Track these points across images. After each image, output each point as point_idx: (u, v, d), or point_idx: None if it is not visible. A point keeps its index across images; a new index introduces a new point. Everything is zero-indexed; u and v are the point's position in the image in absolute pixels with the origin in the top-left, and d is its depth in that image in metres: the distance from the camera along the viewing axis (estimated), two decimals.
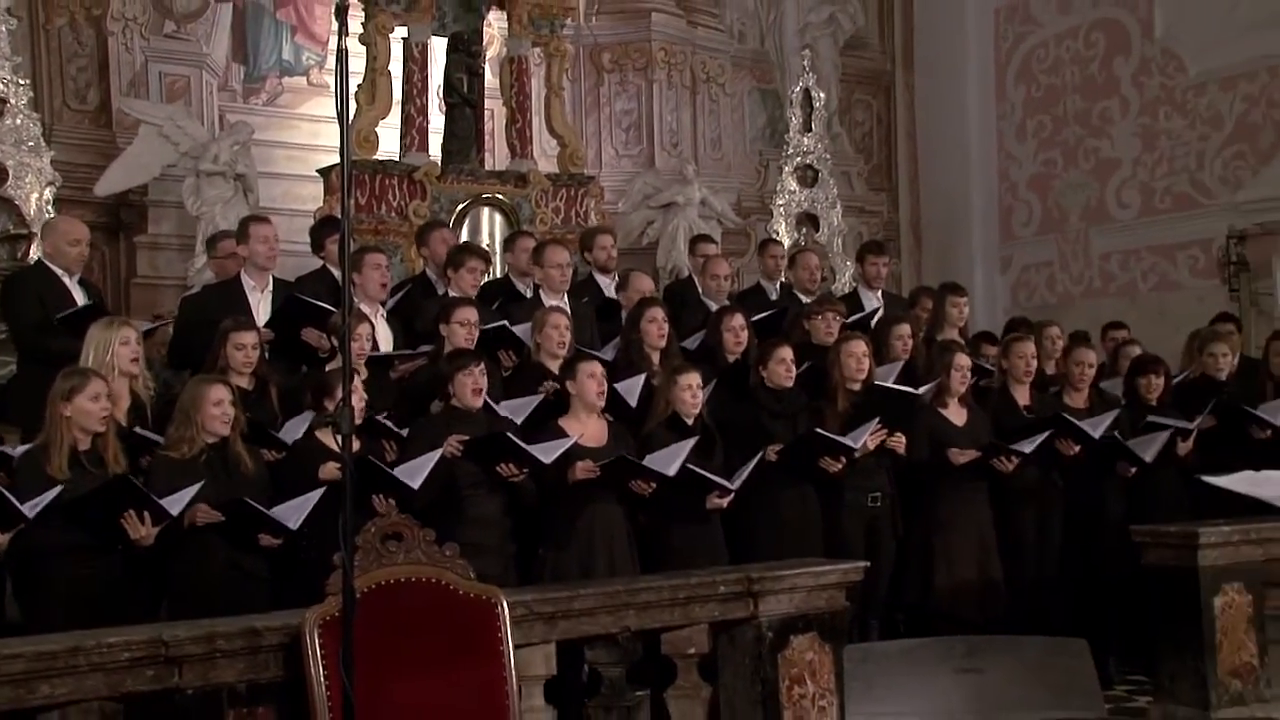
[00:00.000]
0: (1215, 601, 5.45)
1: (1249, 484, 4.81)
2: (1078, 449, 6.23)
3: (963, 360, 6.28)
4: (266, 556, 4.80)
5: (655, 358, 6.13)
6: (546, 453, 5.15)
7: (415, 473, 4.95)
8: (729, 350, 6.42)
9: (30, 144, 8.08)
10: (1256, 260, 10.19)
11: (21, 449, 4.81)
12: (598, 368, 5.47)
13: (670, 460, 5.26)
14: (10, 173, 7.84)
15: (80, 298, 5.92)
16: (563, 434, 5.29)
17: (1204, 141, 10.70)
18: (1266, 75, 10.29)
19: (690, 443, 5.34)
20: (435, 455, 5.02)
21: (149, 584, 4.66)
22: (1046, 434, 6.12)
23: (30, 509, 4.23)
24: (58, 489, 4.33)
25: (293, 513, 4.72)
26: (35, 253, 6.32)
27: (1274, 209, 10.06)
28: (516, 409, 5.62)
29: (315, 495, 4.73)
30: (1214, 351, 6.99)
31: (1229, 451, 6.26)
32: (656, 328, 6.18)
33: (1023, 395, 6.53)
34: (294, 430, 5.32)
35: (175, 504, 4.48)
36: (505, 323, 6.24)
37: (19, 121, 8.03)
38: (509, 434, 5.20)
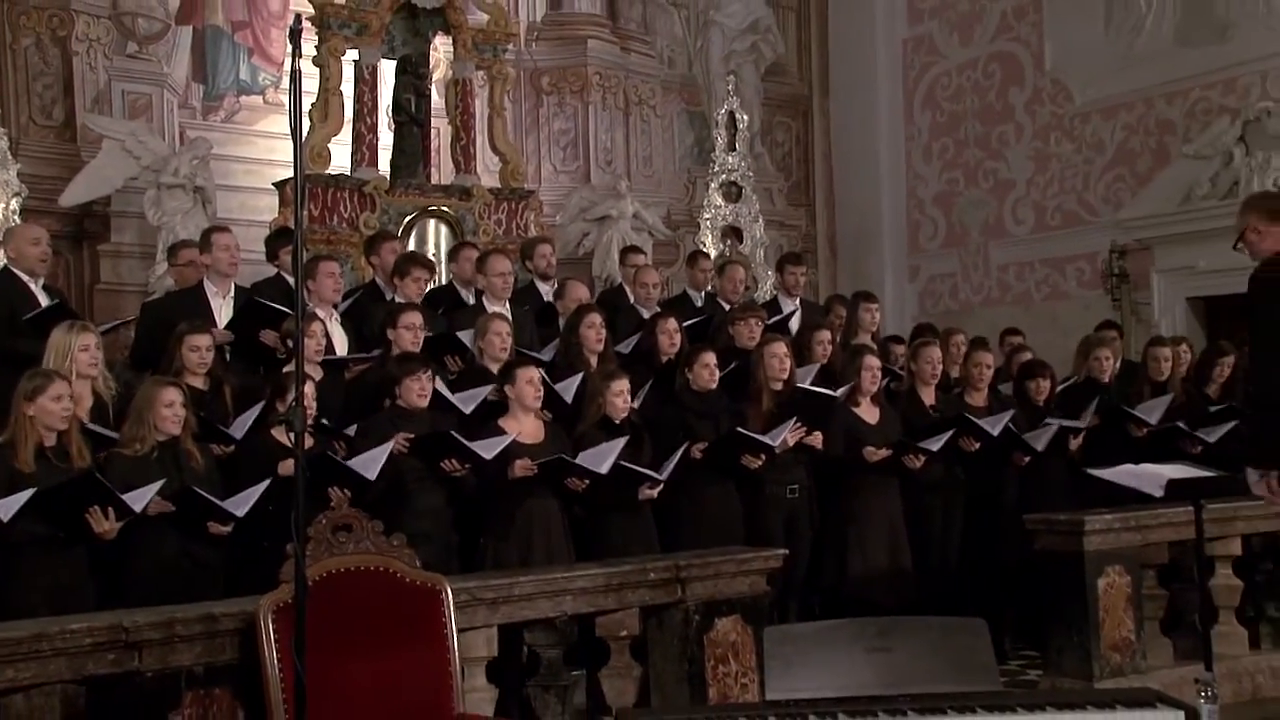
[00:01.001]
0: (1098, 583, 5.53)
1: (1129, 476, 4.89)
2: (977, 446, 6.32)
3: (873, 362, 6.34)
4: (218, 546, 4.75)
5: (593, 360, 6.12)
6: (487, 449, 5.14)
7: (370, 464, 4.94)
8: (663, 351, 6.44)
9: None
10: (1136, 273, 10.35)
11: None
12: (535, 373, 5.47)
13: (602, 458, 5.26)
14: None
15: (44, 301, 5.80)
16: (503, 433, 5.27)
17: (1089, 165, 10.85)
18: (1143, 106, 10.48)
19: (621, 442, 5.34)
20: (388, 447, 5.01)
21: (109, 575, 4.58)
22: (950, 433, 6.20)
23: (4, 510, 4.16)
24: (31, 491, 4.25)
25: (239, 503, 4.68)
26: (0, 260, 6.20)
27: (1150, 226, 10.22)
28: (467, 399, 5.64)
29: (260, 487, 4.70)
30: (1098, 356, 7.10)
31: (1111, 447, 6.38)
32: (595, 333, 6.18)
33: (929, 395, 6.60)
34: (243, 427, 5.26)
35: (138, 500, 4.43)
36: (456, 334, 6.23)
37: None
38: (453, 432, 5.19)
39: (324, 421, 5.34)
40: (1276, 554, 6.22)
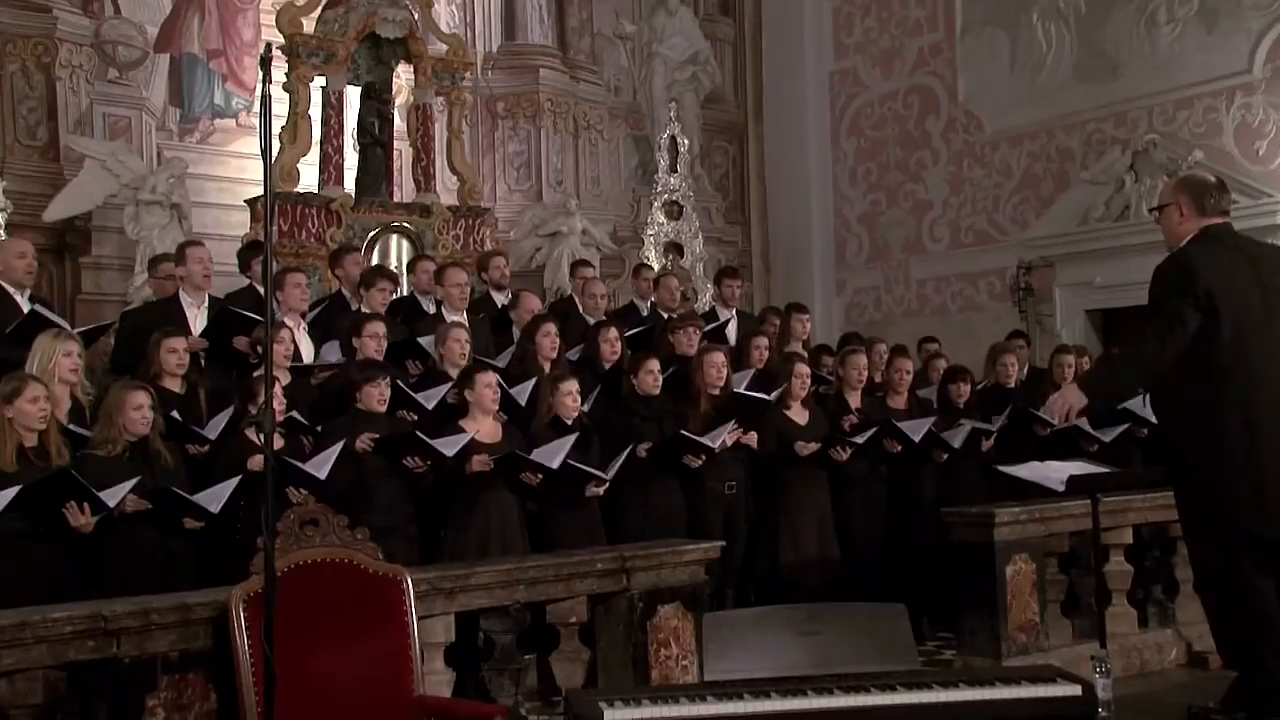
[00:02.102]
0: (1007, 570, 5.57)
1: (1034, 473, 4.95)
2: (899, 448, 6.38)
3: (803, 369, 6.38)
4: (191, 539, 4.70)
5: (546, 366, 6.11)
6: (448, 447, 5.13)
7: (321, 464, 4.90)
8: (605, 359, 6.43)
9: None
10: (1040, 287, 10.46)
11: None
12: (492, 378, 5.47)
13: (554, 454, 5.25)
14: None
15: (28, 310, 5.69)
16: (463, 432, 5.26)
17: (998, 188, 10.95)
18: (1045, 135, 10.60)
19: (571, 439, 5.34)
20: (338, 447, 4.98)
21: (86, 567, 4.51)
22: (874, 429, 6.25)
23: None
24: (15, 489, 4.19)
25: (213, 498, 4.64)
26: None
27: (1053, 245, 10.35)
28: (428, 397, 5.65)
29: (233, 483, 4.66)
30: (1004, 363, 7.20)
31: (1019, 446, 6.46)
32: (549, 341, 6.17)
33: (854, 399, 6.64)
34: (217, 427, 5.21)
35: (112, 496, 4.38)
36: (417, 339, 6.21)
37: None
38: (417, 432, 5.17)
39: (294, 415, 5.30)
40: (1163, 542, 6.32)
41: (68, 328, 5.45)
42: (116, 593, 3.81)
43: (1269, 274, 4.03)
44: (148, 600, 3.51)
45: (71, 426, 4.83)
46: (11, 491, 4.17)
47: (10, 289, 5.76)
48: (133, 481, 4.47)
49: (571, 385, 5.64)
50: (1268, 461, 3.91)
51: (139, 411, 4.67)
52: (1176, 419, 4.10)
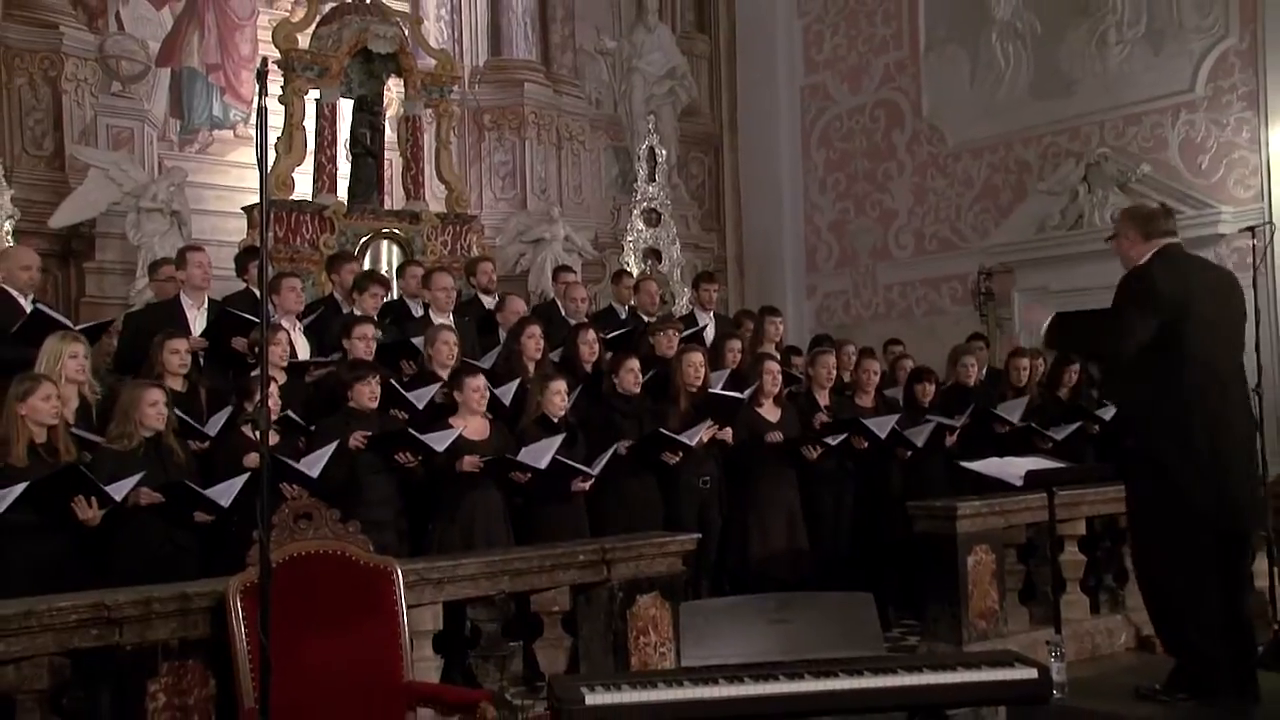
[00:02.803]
0: (968, 560, 5.59)
1: (994, 468, 4.98)
2: (866, 444, 6.40)
3: (774, 368, 6.39)
4: (197, 532, 4.67)
5: (531, 367, 6.11)
6: (438, 442, 5.11)
7: (314, 463, 4.87)
8: (584, 360, 6.42)
9: None
10: (1000, 291, 10.49)
11: None
12: (480, 380, 5.46)
13: (542, 454, 5.24)
14: None
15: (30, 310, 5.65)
16: (452, 428, 5.25)
17: (960, 198, 10.99)
18: (1004, 148, 10.65)
19: (559, 439, 5.33)
20: (331, 448, 4.95)
21: (94, 558, 4.48)
22: (845, 433, 6.27)
23: (1, 501, 4.08)
24: (23, 485, 4.17)
25: (223, 493, 4.61)
26: None
27: (1011, 252, 10.38)
28: (419, 397, 5.63)
29: (241, 479, 4.63)
30: (964, 364, 7.22)
31: (979, 443, 6.49)
32: (534, 342, 6.16)
33: (823, 398, 6.67)
34: (217, 424, 5.19)
35: (119, 490, 4.35)
36: (410, 340, 6.19)
37: None
38: (409, 429, 5.15)
39: (289, 414, 5.28)
40: (1114, 533, 6.37)
41: (71, 325, 5.41)
42: (127, 582, 3.80)
43: (1219, 289, 4.14)
44: (149, 590, 3.50)
45: (77, 430, 4.80)
46: (20, 487, 4.15)
47: (15, 294, 5.72)
48: (138, 476, 4.44)
49: (560, 385, 5.63)
50: (1230, 459, 3.95)
51: (155, 408, 4.66)
52: (1144, 415, 4.14)
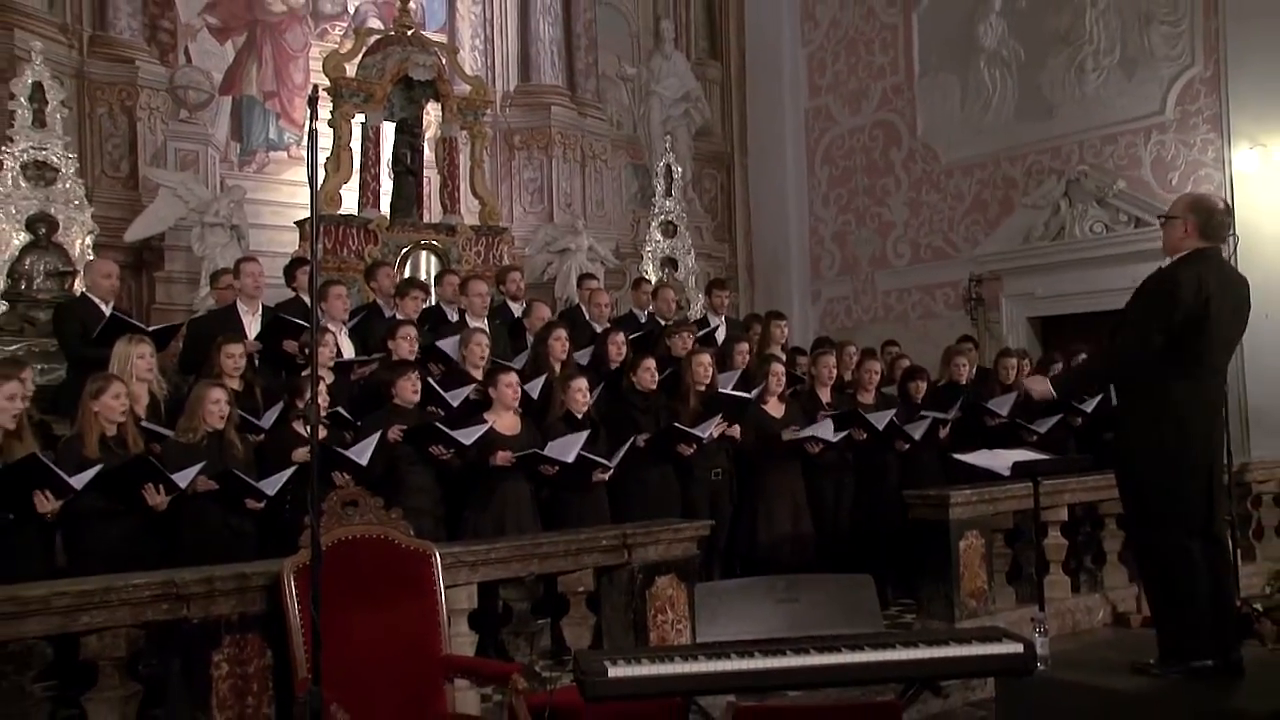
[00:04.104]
0: (959, 544, 5.60)
1: (984, 460, 4.95)
2: (865, 436, 6.38)
3: (779, 369, 6.39)
4: (252, 517, 4.70)
5: (557, 366, 6.12)
6: (467, 436, 5.13)
7: (362, 452, 4.90)
8: (612, 360, 6.44)
9: (75, 202, 7.84)
10: (988, 297, 10.46)
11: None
12: (513, 378, 5.48)
13: (569, 449, 5.25)
14: (61, 224, 7.61)
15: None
16: (484, 423, 5.26)
17: (952, 211, 10.95)
18: (992, 165, 10.59)
19: (584, 435, 5.34)
20: (375, 437, 4.98)
21: (162, 540, 4.52)
22: (846, 432, 6.25)
23: (78, 482, 4.12)
24: (98, 467, 4.22)
25: (270, 484, 4.65)
26: (79, 286, 6.21)
27: (999, 261, 10.35)
28: (455, 396, 5.65)
29: (288, 472, 4.67)
30: (957, 363, 7.21)
31: (970, 436, 6.47)
32: (560, 344, 6.18)
33: (825, 395, 6.65)
34: (270, 419, 5.23)
35: (183, 479, 4.40)
36: (439, 345, 6.21)
37: (68, 185, 7.81)
38: (437, 424, 5.18)
39: (339, 410, 5.31)
40: (1093, 519, 6.35)
41: (145, 329, 5.48)
42: (190, 563, 3.85)
43: (1237, 297, 3.86)
44: (212, 570, 3.54)
45: (147, 424, 4.84)
46: (92, 471, 4.20)
47: (96, 299, 5.87)
48: (200, 466, 4.49)
49: (582, 383, 5.64)
50: (1213, 459, 3.81)
51: (216, 405, 4.72)
52: (1152, 423, 3.80)
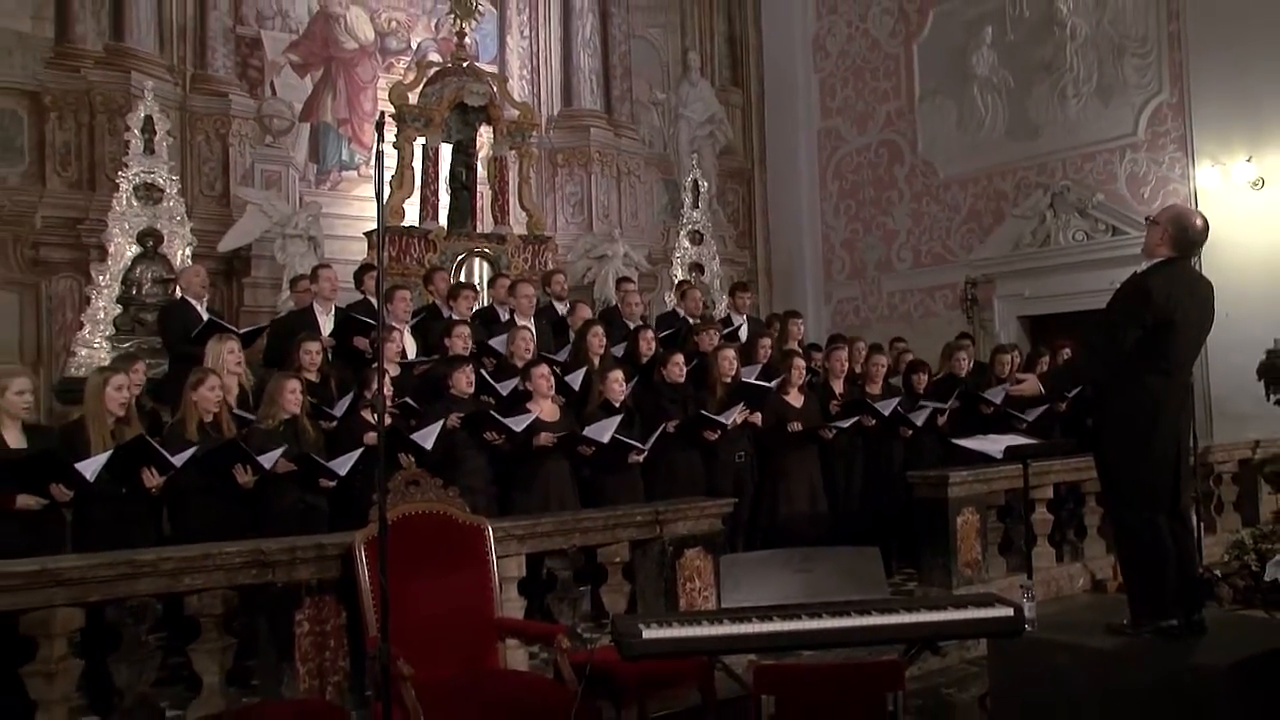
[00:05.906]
0: (957, 520, 5.58)
1: (979, 444, 4.91)
2: (874, 422, 6.34)
3: (799, 363, 6.36)
4: (326, 495, 4.74)
5: (595, 360, 6.12)
6: (516, 424, 5.14)
7: (427, 437, 4.93)
8: (642, 354, 6.43)
9: (178, 218, 8.00)
10: (983, 298, 10.40)
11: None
12: (545, 369, 5.49)
13: (604, 431, 5.26)
14: (165, 237, 7.80)
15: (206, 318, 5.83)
16: (529, 413, 5.27)
17: (950, 220, 10.87)
18: (985, 179, 10.52)
19: (617, 419, 5.35)
20: (439, 425, 5.01)
21: (251, 514, 4.58)
22: (855, 419, 6.22)
23: (178, 460, 4.22)
24: (193, 448, 4.31)
25: (342, 465, 4.68)
26: (179, 291, 6.41)
27: (992, 265, 10.27)
28: (504, 387, 5.67)
29: (356, 454, 4.70)
30: (957, 358, 7.14)
31: (967, 423, 6.40)
32: (598, 340, 6.18)
33: (838, 386, 6.62)
34: (342, 407, 5.27)
35: (267, 461, 4.44)
36: (489, 343, 6.24)
37: (171, 204, 7.97)
38: (492, 412, 5.19)
39: (407, 400, 5.34)
40: (1076, 497, 6.29)
41: (235, 330, 5.56)
42: (273, 534, 3.89)
43: (1204, 301, 3.80)
44: (294, 540, 3.58)
45: (239, 411, 4.91)
46: (189, 451, 4.29)
47: (193, 301, 6.01)
48: (281, 449, 4.54)
49: (618, 374, 5.64)
50: (1180, 448, 3.76)
51: (293, 395, 4.75)
52: (1127, 415, 3.72)
